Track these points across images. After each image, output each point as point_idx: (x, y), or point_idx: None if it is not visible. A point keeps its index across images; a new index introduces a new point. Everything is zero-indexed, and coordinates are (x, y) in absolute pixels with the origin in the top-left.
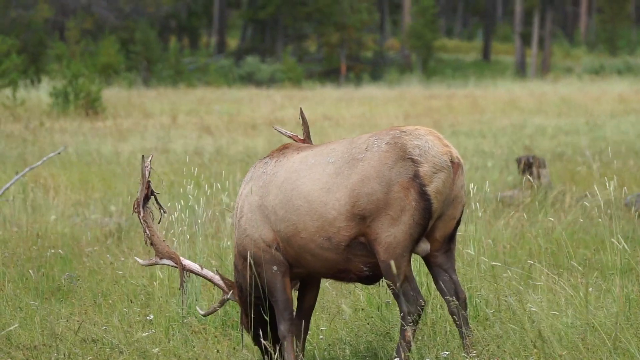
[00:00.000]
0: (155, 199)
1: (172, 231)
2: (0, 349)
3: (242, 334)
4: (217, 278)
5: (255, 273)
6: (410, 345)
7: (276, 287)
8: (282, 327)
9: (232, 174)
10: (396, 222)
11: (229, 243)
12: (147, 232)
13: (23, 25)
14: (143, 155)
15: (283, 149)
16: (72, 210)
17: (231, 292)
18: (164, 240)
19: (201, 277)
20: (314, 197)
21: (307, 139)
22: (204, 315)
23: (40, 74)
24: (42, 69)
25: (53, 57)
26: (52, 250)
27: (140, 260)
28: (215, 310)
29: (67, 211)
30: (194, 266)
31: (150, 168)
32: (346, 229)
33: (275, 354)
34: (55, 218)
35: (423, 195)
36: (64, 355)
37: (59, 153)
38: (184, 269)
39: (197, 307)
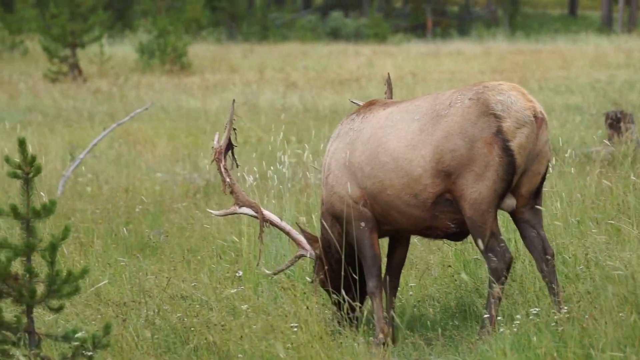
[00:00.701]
0: (232, 152)
1: (254, 184)
2: (89, 305)
3: (315, 289)
4: (294, 232)
5: (343, 231)
6: (500, 302)
7: (364, 243)
8: (371, 284)
9: (320, 130)
10: (481, 178)
11: (315, 199)
12: (228, 180)
13: None
14: (234, 100)
15: (369, 105)
16: (160, 166)
17: (311, 248)
18: (243, 191)
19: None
20: (399, 154)
21: None
22: (274, 274)
23: (127, 30)
24: (128, 25)
25: (139, 13)
26: (141, 207)
27: (214, 212)
28: (287, 268)
29: (155, 167)
30: (274, 217)
31: (235, 116)
32: (432, 186)
33: (358, 310)
34: (143, 174)
35: (506, 150)
36: (153, 311)
37: (147, 109)
38: (263, 218)
39: (263, 268)
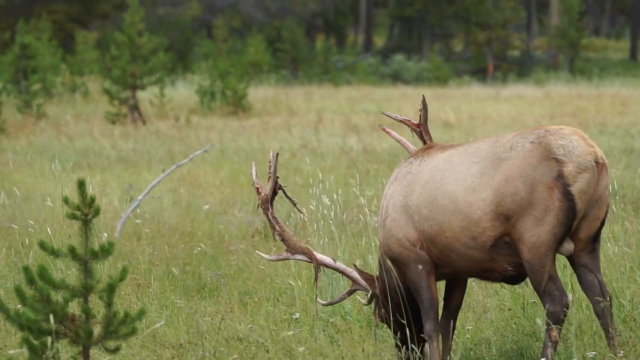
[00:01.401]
0: (284, 193)
1: (315, 228)
2: (146, 346)
3: (375, 327)
4: (349, 270)
5: (401, 273)
6: (557, 345)
7: (422, 286)
8: (428, 326)
9: (379, 172)
10: (540, 222)
11: (371, 241)
12: (277, 227)
13: (171, 23)
14: (277, 153)
15: (427, 148)
16: (219, 207)
17: (367, 284)
18: (294, 236)
19: (342, 275)
20: (459, 197)
21: (423, 124)
22: (326, 305)
23: (187, 72)
24: (189, 67)
25: (200, 55)
26: (199, 248)
27: (265, 256)
28: (341, 300)
29: (214, 209)
30: (328, 260)
31: (277, 164)
32: (491, 229)
33: (417, 352)
34: (202, 216)
35: (567, 195)
36: (210, 353)
37: (206, 151)
38: (318, 264)
39: (318, 299)
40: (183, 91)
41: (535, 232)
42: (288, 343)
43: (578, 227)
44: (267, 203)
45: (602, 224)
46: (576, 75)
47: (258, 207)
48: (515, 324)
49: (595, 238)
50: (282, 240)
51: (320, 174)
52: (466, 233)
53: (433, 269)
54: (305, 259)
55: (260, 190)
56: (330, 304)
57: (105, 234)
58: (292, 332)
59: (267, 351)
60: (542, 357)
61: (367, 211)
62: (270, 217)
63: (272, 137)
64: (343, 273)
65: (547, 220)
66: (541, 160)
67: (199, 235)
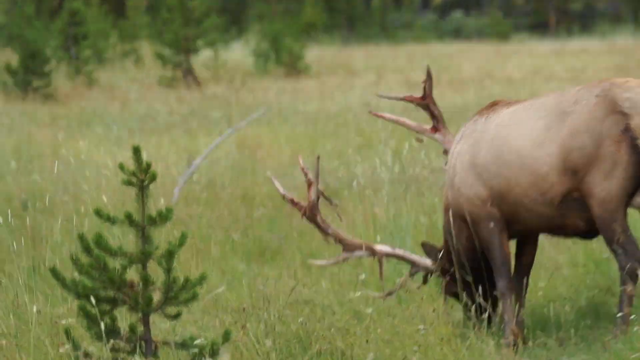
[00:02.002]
0: (324, 197)
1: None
2: (207, 312)
3: (445, 299)
4: (408, 254)
5: (472, 232)
6: (632, 300)
7: (494, 244)
8: (501, 285)
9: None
10: (609, 177)
11: (437, 201)
12: (329, 232)
13: None
14: (318, 157)
15: (492, 105)
16: (279, 170)
17: (429, 262)
18: (349, 236)
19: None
20: (525, 153)
21: (429, 96)
22: (387, 296)
23: (241, 34)
24: (242, 29)
25: (254, 17)
26: (259, 212)
27: (321, 262)
28: (400, 288)
29: (273, 172)
30: (387, 249)
31: (319, 167)
32: (559, 184)
33: (490, 313)
34: (261, 179)
35: (635, 148)
36: (274, 317)
37: (263, 114)
38: (380, 255)
39: (354, 293)
40: (238, 54)
41: (605, 186)
42: (355, 304)
43: None
44: (314, 209)
45: None
46: None
47: (303, 216)
48: (589, 280)
49: None
50: (339, 242)
51: (381, 134)
52: (534, 189)
53: (504, 226)
54: (366, 254)
55: (295, 201)
56: (390, 293)
57: (163, 200)
58: (359, 293)
59: (334, 313)
60: (618, 312)
61: (427, 166)
62: (320, 223)
63: (331, 98)
64: (402, 258)
65: (616, 174)
66: (607, 114)
67: (259, 199)
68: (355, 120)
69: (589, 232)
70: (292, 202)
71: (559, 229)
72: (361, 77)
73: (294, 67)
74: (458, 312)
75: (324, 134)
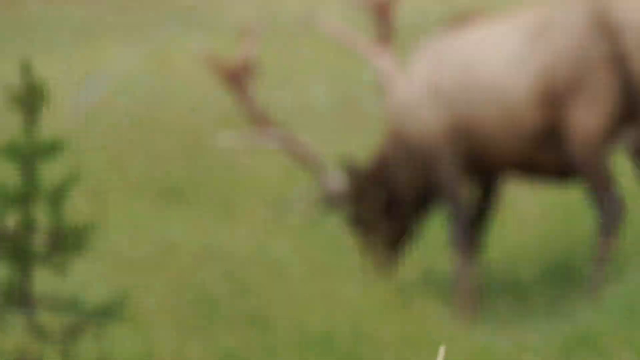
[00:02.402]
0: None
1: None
2: (104, 264)
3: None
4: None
5: (425, 168)
6: (608, 258)
7: (451, 185)
8: (455, 236)
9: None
10: (594, 107)
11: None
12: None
13: None
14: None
15: (462, 18)
16: (196, 91)
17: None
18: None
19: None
20: (497, 77)
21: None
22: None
23: None
24: None
25: None
26: (169, 145)
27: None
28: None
29: (189, 93)
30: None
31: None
32: (536, 115)
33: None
34: (175, 99)
35: (627, 74)
36: (181, 272)
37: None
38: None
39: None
40: None
41: (589, 118)
42: (279, 256)
43: None
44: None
45: None
46: None
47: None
48: (559, 231)
49: None
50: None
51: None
52: (507, 120)
53: (466, 163)
54: (277, 136)
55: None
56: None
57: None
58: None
59: (252, 268)
60: (591, 273)
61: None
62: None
63: None
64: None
65: (602, 104)
66: (597, 31)
67: (172, 128)
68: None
69: (564, 172)
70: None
71: (531, 168)
72: None
73: None
74: (403, 271)
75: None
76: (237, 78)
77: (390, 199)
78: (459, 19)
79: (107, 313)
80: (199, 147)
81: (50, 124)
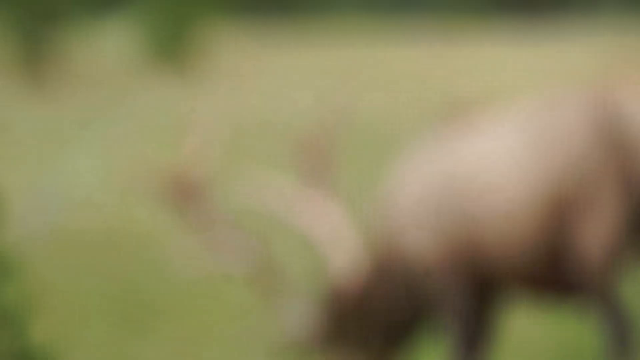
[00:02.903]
0: None
1: None
2: None
3: None
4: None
5: (423, 287)
6: None
7: (454, 308)
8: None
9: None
10: (603, 221)
11: None
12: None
13: None
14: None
15: (461, 117)
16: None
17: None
18: None
19: None
20: (499, 188)
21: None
22: None
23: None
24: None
25: None
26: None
27: None
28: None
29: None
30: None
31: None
32: (542, 229)
33: None
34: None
35: (638, 186)
36: None
37: None
38: None
39: None
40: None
41: (596, 232)
42: None
43: None
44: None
45: None
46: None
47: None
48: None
49: None
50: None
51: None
52: (512, 234)
53: (469, 282)
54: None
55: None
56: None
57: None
58: None
59: None
60: None
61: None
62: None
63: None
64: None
65: (611, 218)
66: (604, 139)
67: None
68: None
69: (574, 290)
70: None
71: (539, 285)
72: None
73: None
74: None
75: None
76: (190, 193)
77: (374, 326)
78: (459, 116)
79: None
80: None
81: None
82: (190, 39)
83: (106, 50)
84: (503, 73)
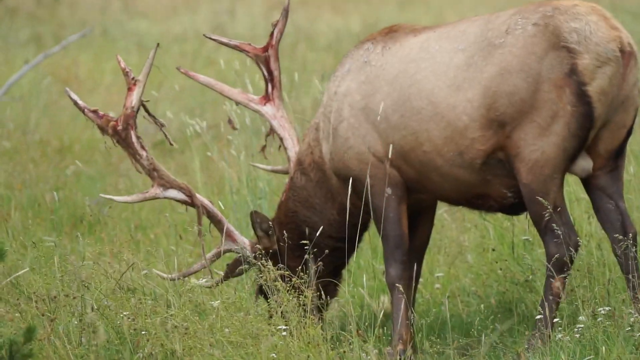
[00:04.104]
0: (146, 110)
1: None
2: (6, 300)
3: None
4: (224, 221)
5: (359, 198)
6: (560, 299)
7: (388, 217)
8: (393, 271)
9: (320, 64)
10: (545, 132)
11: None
12: (144, 154)
13: None
14: (157, 44)
15: (391, 31)
16: (103, 111)
17: (247, 242)
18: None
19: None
20: (439, 97)
21: (274, 45)
22: (210, 287)
23: None
24: None
25: None
26: (74, 167)
27: (121, 198)
28: (228, 278)
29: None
30: (207, 202)
31: (153, 60)
32: (481, 141)
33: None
34: (79, 124)
35: (582, 96)
36: (92, 309)
37: (84, 35)
38: (200, 204)
39: (195, 280)
40: None
41: (539, 145)
42: (197, 295)
43: (597, 138)
44: (131, 119)
45: (629, 133)
46: None
47: (111, 131)
48: (501, 269)
49: (619, 152)
50: (152, 171)
51: (237, 65)
52: (450, 146)
53: (405, 194)
54: (182, 196)
55: (100, 114)
56: (226, 277)
57: None
58: (203, 280)
59: (169, 305)
60: (539, 314)
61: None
62: (133, 138)
63: (173, 16)
64: (217, 224)
65: (555, 129)
66: (548, 49)
67: (76, 151)
68: (202, 49)
69: (518, 205)
70: (96, 114)
71: (480, 200)
72: None
73: None
74: (332, 310)
75: (162, 65)
76: (124, 130)
77: (307, 234)
78: (387, 30)
79: (13, 352)
80: (109, 173)
81: None
82: None
83: None
84: None
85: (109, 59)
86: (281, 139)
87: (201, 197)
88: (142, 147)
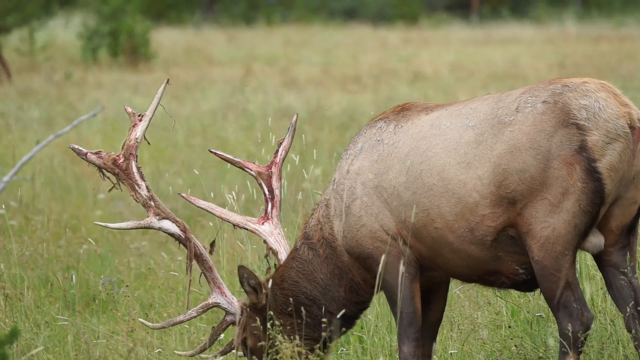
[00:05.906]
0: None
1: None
2: None
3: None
4: (216, 271)
5: (370, 276)
6: None
7: (403, 295)
8: (406, 349)
9: (330, 143)
10: (556, 209)
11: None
12: (143, 183)
13: None
14: (167, 79)
15: (403, 109)
16: (113, 191)
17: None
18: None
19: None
20: (450, 174)
21: (278, 164)
22: (192, 354)
23: (68, 9)
24: (70, 2)
25: None
26: (86, 246)
27: (114, 225)
28: (213, 343)
29: (106, 194)
30: (200, 245)
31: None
32: (491, 218)
33: None
34: (91, 202)
35: (592, 173)
36: None
37: (95, 115)
38: (192, 242)
39: (206, 355)
40: (62, 36)
41: (550, 222)
42: None
43: (608, 215)
44: (133, 149)
45: None
46: (590, 11)
47: (110, 161)
48: (515, 345)
49: (631, 229)
50: (149, 200)
51: (249, 145)
52: (461, 222)
53: (418, 271)
54: (176, 229)
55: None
56: (224, 353)
57: None
58: (215, 356)
59: None
60: None
61: (313, 193)
62: (134, 168)
63: (183, 97)
64: (206, 271)
65: (566, 206)
66: (557, 127)
67: (87, 230)
68: (213, 128)
69: (530, 282)
70: (98, 156)
71: (493, 277)
72: (224, 69)
73: (135, 54)
74: None
75: (172, 144)
76: (131, 151)
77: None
78: (400, 109)
79: None
80: (121, 251)
81: None
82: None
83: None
84: None
85: (119, 137)
86: (275, 254)
87: (195, 239)
88: (142, 178)
